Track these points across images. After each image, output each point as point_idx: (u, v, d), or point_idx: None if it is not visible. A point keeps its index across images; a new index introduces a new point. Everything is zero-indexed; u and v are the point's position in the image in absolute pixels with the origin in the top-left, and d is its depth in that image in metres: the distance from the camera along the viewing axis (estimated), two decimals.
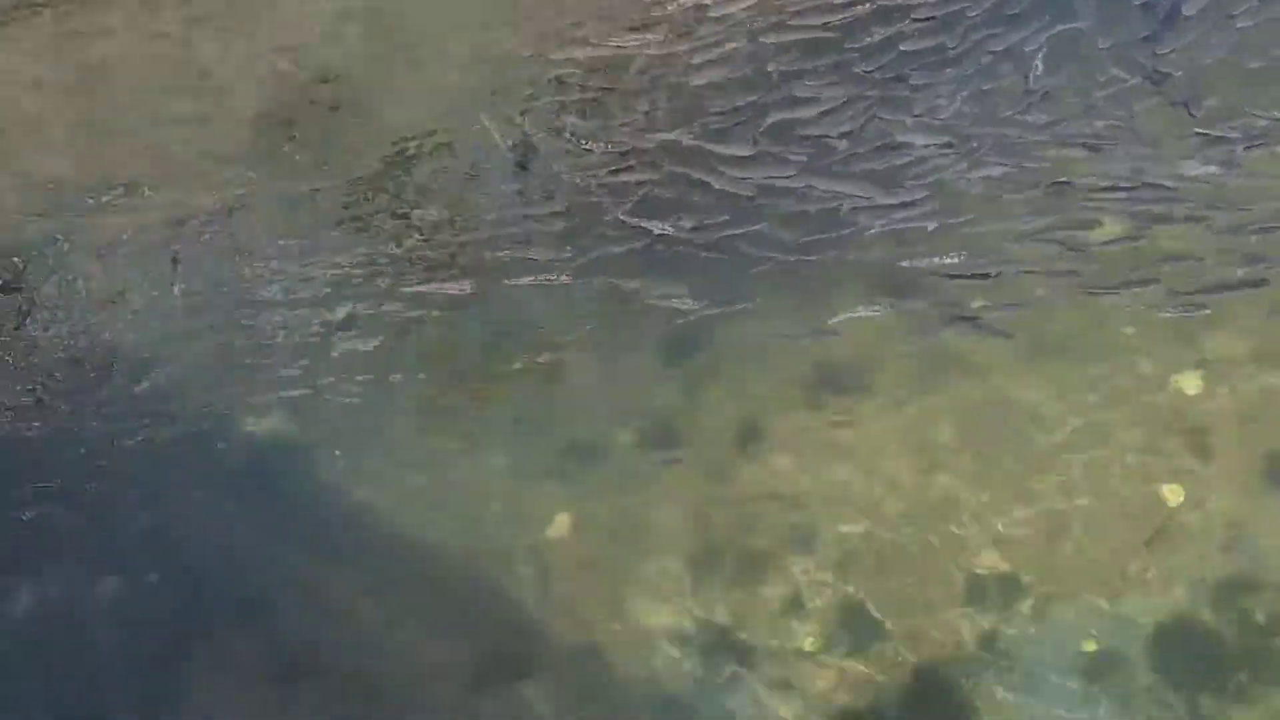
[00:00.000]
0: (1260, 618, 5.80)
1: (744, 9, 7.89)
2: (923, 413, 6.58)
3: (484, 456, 6.85)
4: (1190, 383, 6.39)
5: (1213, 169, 6.80)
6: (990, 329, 6.64)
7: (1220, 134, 6.91)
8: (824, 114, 7.40)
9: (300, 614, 6.52)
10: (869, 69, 7.50)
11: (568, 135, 7.72)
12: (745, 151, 7.39)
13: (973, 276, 6.81)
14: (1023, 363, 6.58)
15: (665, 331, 7.01)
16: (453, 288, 7.36)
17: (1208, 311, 6.47)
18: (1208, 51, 7.20)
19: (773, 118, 7.46)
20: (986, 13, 7.58)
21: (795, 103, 7.48)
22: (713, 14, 7.91)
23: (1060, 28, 7.45)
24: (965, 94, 7.33)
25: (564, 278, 7.23)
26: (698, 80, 7.72)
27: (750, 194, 7.27)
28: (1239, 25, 7.26)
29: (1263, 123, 6.90)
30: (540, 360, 7.04)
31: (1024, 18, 7.51)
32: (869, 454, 6.53)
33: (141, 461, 7.08)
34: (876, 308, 6.83)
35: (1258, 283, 6.47)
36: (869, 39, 7.59)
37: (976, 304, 6.73)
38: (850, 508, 6.41)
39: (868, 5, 7.72)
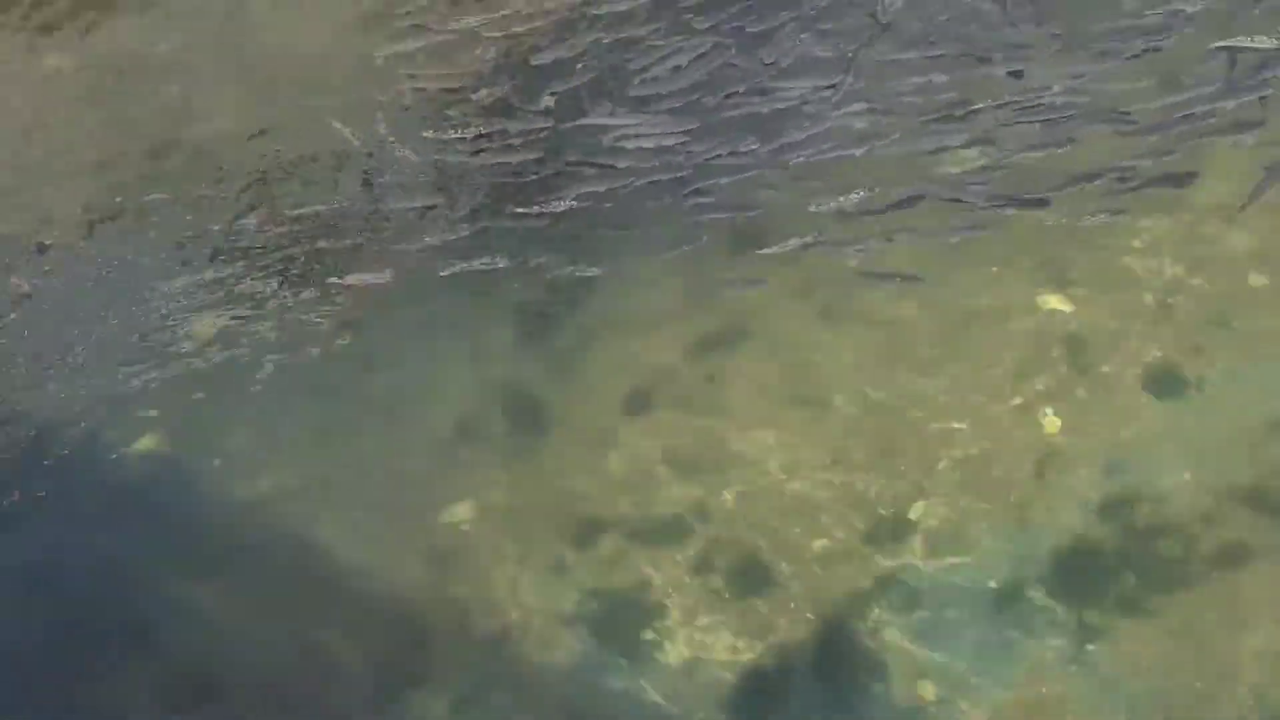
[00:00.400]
0: (1142, 526, 5.87)
1: None
2: (807, 359, 6.59)
3: (365, 447, 6.75)
4: (1059, 302, 6.45)
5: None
6: (891, 274, 6.68)
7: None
8: (677, 69, 7.33)
9: (192, 636, 6.37)
10: (713, 22, 7.44)
11: (420, 125, 7.58)
12: (606, 119, 7.30)
13: (866, 214, 6.85)
14: (900, 300, 6.64)
15: (546, 305, 6.98)
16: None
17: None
18: None
19: (628, 81, 7.39)
20: None
21: (646, 64, 7.41)
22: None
23: None
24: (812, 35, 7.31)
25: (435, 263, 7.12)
26: (542, 58, 7.62)
27: (623, 162, 7.20)
28: None
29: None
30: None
31: None
32: (752, 408, 6.51)
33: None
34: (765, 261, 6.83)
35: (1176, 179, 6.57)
36: None
37: (873, 244, 6.76)
38: (739, 464, 6.39)
39: None
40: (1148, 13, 7.25)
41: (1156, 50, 7.08)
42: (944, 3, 7.43)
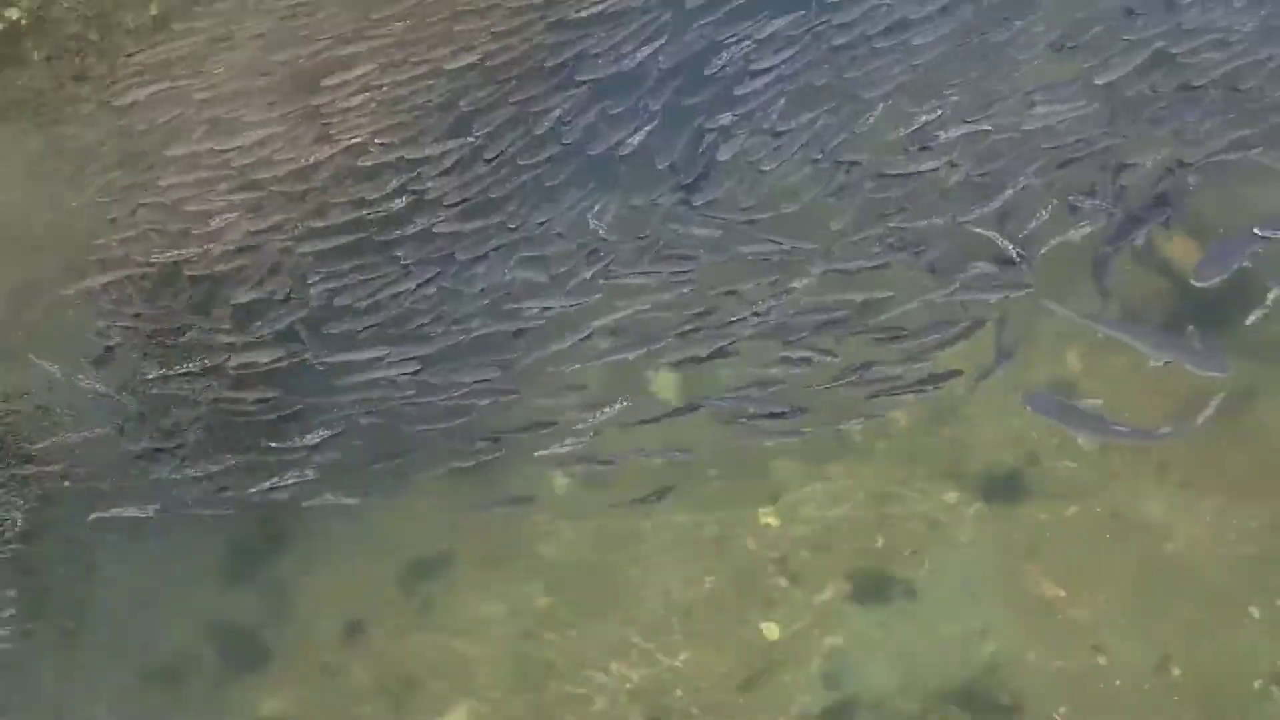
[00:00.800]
0: None
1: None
2: (516, 574, 6.57)
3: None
4: (772, 518, 6.60)
5: None
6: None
7: None
8: (396, 298, 7.46)
9: None
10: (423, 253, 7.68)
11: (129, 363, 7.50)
12: (334, 352, 7.29)
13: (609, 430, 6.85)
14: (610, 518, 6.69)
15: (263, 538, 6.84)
16: None
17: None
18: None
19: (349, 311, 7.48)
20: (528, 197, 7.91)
21: (366, 294, 7.53)
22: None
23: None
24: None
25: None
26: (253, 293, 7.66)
27: (348, 396, 7.14)
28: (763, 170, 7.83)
29: None
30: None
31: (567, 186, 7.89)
32: (471, 633, 6.43)
33: None
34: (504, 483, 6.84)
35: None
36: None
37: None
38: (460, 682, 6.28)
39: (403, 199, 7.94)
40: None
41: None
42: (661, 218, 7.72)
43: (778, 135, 7.93)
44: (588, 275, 7.41)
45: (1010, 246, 7.09)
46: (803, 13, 8.45)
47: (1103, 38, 8.02)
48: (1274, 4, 8.04)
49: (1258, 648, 5.75)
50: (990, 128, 7.63)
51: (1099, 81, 7.76)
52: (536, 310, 7.32)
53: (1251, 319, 6.58)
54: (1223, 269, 6.70)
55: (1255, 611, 5.87)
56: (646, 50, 8.48)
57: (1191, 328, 6.58)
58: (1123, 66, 7.81)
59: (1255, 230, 6.77)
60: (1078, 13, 8.23)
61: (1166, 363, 6.47)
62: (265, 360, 7.30)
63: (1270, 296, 6.61)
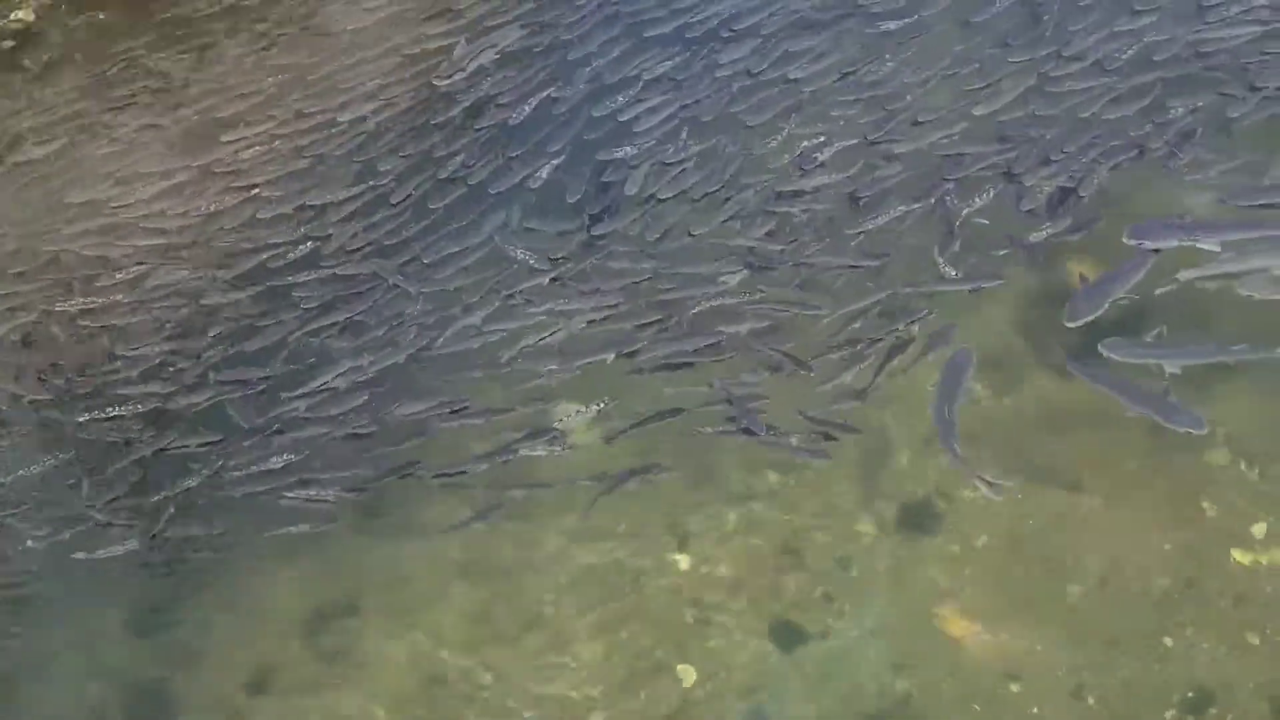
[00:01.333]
0: None
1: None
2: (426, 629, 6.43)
3: None
4: (682, 557, 6.51)
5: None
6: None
7: None
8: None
9: None
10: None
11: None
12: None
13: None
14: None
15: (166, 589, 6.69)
16: None
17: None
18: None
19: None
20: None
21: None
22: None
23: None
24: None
25: None
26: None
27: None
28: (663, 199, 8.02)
29: None
30: None
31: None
32: (374, 684, 6.26)
33: None
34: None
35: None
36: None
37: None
38: None
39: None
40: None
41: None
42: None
43: (677, 165, 8.20)
44: (495, 308, 7.50)
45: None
46: (692, 51, 8.97)
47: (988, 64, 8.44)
48: (1155, 31, 8.37)
49: (1171, 677, 5.73)
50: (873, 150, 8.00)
51: (979, 111, 8.07)
52: (445, 346, 7.34)
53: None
54: (1094, 308, 6.68)
55: (1169, 641, 5.86)
56: (543, 95, 8.90)
57: (1167, 384, 6.46)
58: (1007, 94, 8.12)
59: (1129, 240, 6.90)
60: (957, 45, 8.71)
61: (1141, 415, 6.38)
62: (170, 408, 7.28)
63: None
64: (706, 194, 8.01)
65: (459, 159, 8.50)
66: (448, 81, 9.08)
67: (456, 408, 7.03)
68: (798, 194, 7.83)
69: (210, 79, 8.90)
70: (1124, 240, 6.95)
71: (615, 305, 7.37)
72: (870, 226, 7.52)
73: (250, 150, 8.48)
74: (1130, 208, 7.33)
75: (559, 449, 6.85)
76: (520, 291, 7.57)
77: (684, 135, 8.40)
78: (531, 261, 7.71)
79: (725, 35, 9.24)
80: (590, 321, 7.35)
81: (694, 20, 9.42)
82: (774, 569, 6.41)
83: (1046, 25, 8.68)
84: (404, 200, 8.27)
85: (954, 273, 7.21)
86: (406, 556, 6.66)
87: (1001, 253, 7.30)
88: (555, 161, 8.38)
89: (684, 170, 8.18)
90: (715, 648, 6.20)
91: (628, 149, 8.36)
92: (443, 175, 8.36)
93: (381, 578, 6.64)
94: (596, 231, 7.86)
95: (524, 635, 6.34)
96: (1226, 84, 7.92)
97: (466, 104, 8.96)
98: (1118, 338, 6.61)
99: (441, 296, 7.67)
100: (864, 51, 8.84)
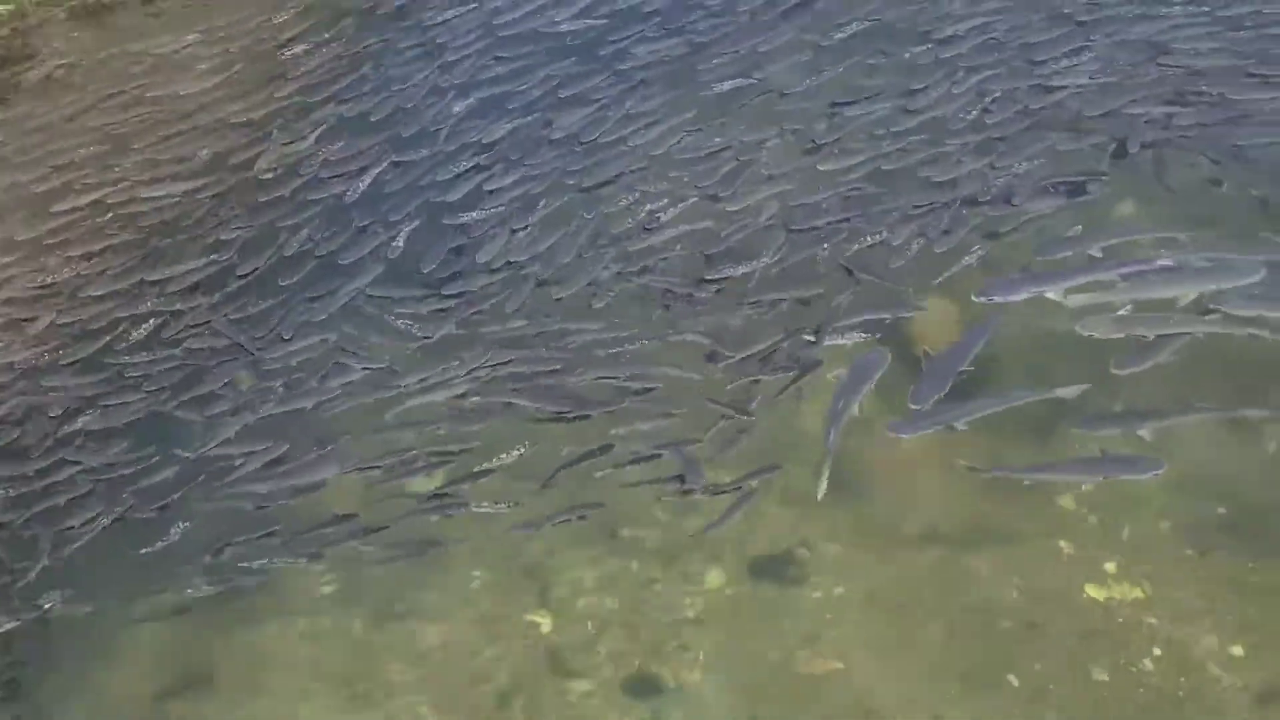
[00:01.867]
0: None
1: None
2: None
3: None
4: (542, 617, 6.42)
5: None
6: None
7: None
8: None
9: None
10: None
11: None
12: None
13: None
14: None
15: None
16: None
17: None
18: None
19: None
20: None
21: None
22: None
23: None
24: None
25: None
26: None
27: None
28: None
29: None
30: None
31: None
32: None
33: None
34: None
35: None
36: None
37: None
38: None
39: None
40: None
41: None
42: None
43: (525, 231, 8.30)
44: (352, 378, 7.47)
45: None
46: (534, 116, 9.17)
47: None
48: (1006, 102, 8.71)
49: (1014, 714, 5.79)
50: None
51: (824, 168, 8.30)
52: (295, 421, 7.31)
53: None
54: (938, 388, 6.61)
55: (1014, 680, 5.93)
56: (383, 164, 9.00)
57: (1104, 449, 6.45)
58: (856, 155, 8.35)
59: (977, 298, 6.97)
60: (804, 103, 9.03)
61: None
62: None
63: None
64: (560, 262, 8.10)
65: (304, 232, 8.46)
66: (285, 151, 9.09)
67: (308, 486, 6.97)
68: (647, 250, 7.95)
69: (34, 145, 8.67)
70: (973, 299, 7.04)
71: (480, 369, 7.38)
72: (723, 280, 7.67)
73: (86, 222, 8.29)
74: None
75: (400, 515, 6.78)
76: (377, 358, 7.58)
77: (532, 200, 8.53)
78: (392, 326, 7.74)
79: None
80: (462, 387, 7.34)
81: (526, 87, 9.68)
82: (631, 621, 6.33)
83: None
84: (251, 273, 8.18)
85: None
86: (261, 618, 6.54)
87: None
88: (407, 229, 8.39)
89: (535, 233, 8.29)
90: (573, 703, 6.09)
91: (476, 214, 8.42)
92: (289, 253, 8.37)
93: (238, 639, 6.49)
94: (447, 292, 7.91)
95: (382, 695, 6.20)
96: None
97: (307, 175, 8.97)
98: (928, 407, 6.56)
99: (294, 368, 7.59)
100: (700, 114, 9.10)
